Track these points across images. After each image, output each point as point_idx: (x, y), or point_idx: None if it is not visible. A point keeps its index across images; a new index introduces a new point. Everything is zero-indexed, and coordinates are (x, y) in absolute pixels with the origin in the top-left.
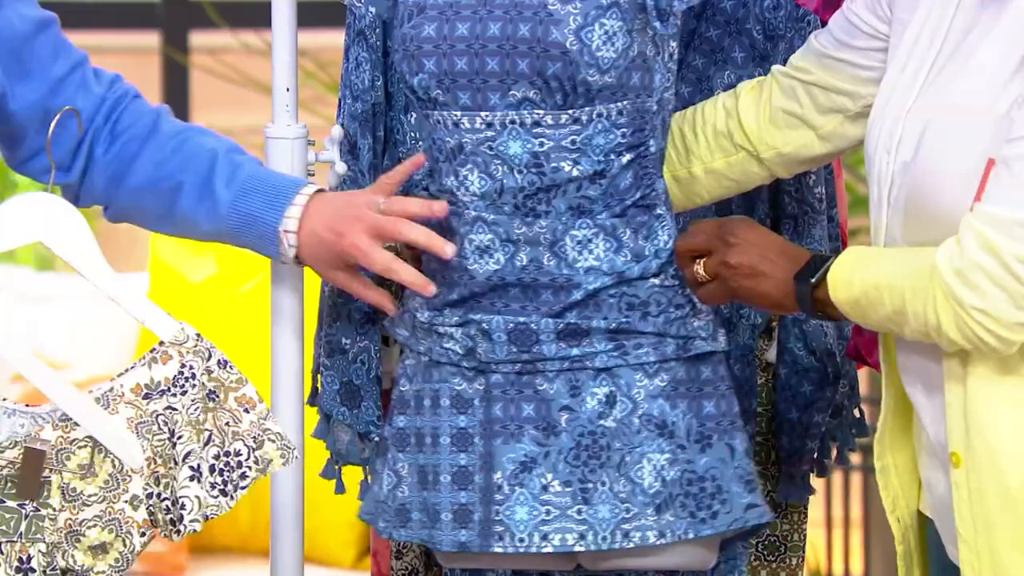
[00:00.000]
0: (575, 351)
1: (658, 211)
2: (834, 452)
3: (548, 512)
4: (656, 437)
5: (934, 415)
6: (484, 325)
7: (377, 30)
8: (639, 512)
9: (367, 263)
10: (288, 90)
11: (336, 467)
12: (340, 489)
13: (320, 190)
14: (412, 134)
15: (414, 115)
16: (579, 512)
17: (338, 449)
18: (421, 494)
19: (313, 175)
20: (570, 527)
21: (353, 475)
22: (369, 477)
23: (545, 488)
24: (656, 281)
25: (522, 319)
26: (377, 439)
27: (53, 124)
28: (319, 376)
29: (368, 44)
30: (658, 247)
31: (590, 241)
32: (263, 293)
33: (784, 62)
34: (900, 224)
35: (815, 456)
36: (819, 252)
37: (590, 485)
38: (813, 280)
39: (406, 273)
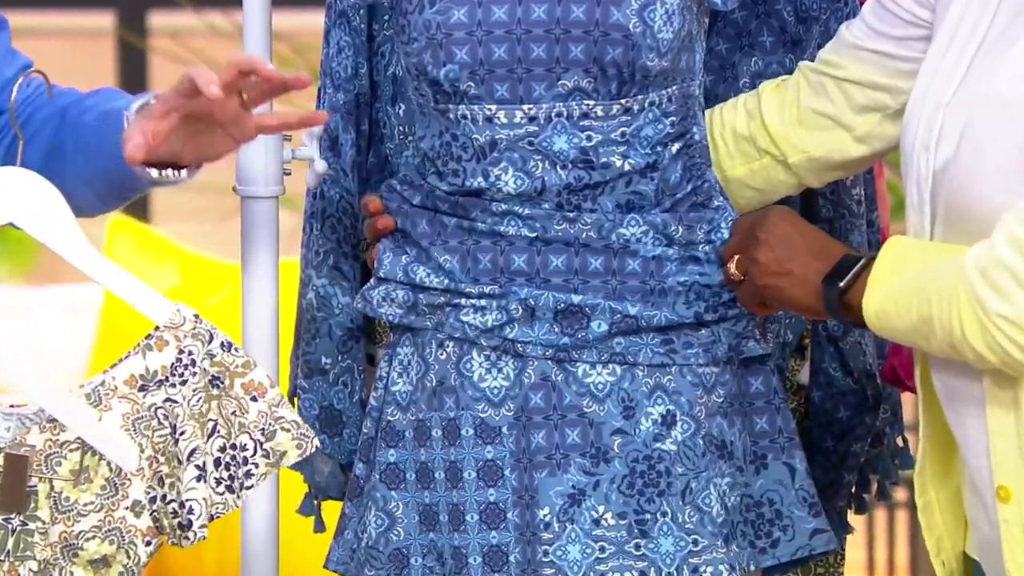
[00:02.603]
0: (619, 340)
1: (716, 203)
2: (875, 486)
3: (603, 549)
4: (717, 459)
5: (976, 445)
6: (531, 301)
7: (361, 11)
8: (709, 544)
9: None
10: None
11: (315, 502)
12: (319, 527)
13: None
14: (400, 128)
15: (402, 107)
16: (637, 547)
17: (317, 482)
18: (426, 536)
19: (289, 174)
20: (629, 564)
21: (333, 511)
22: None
23: (596, 522)
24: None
25: (575, 299)
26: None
27: (16, 86)
28: (296, 400)
29: (351, 27)
30: (723, 239)
31: (639, 240)
32: (232, 307)
33: (819, 47)
34: (943, 229)
35: (853, 490)
36: (853, 251)
37: (647, 516)
38: (842, 284)
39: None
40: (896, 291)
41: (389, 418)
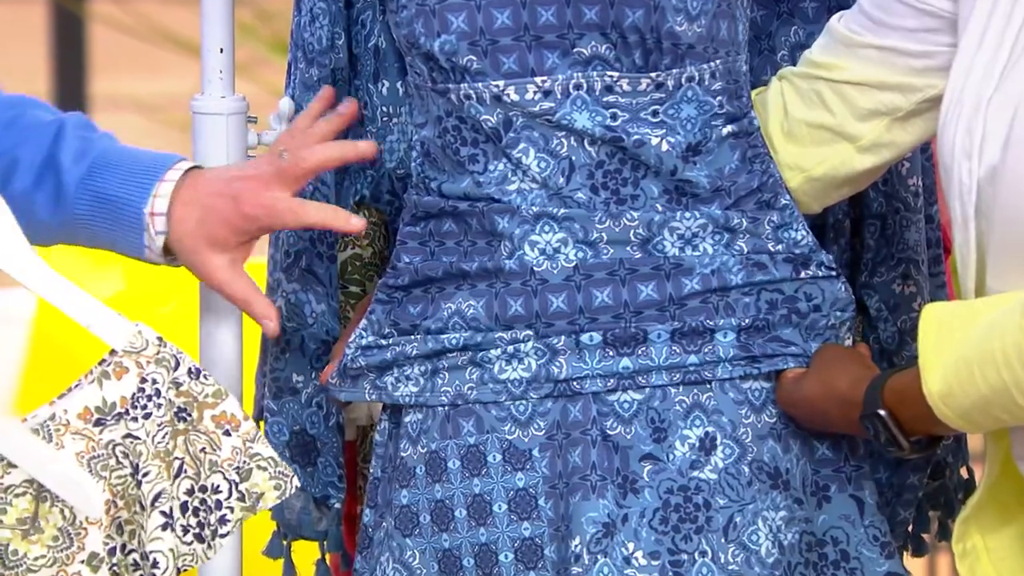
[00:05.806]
0: (693, 358)
1: (783, 201)
2: (935, 524)
3: None
4: (769, 489)
5: None
6: (576, 337)
7: None
8: None
9: (280, 218)
10: (222, 51)
11: (284, 542)
12: (290, 572)
13: (198, 167)
14: (383, 108)
15: (386, 84)
16: None
17: (287, 519)
18: None
19: None
20: None
21: (306, 553)
22: (328, 558)
23: (628, 560)
24: (808, 273)
25: (625, 325)
26: (337, 507)
27: None
28: (263, 424)
29: None
30: (797, 240)
31: (695, 235)
32: (187, 317)
33: None
34: (999, 245)
35: (910, 529)
36: (871, 379)
37: (684, 556)
38: (884, 375)
39: (324, 213)
40: (953, 367)
41: (402, 454)
